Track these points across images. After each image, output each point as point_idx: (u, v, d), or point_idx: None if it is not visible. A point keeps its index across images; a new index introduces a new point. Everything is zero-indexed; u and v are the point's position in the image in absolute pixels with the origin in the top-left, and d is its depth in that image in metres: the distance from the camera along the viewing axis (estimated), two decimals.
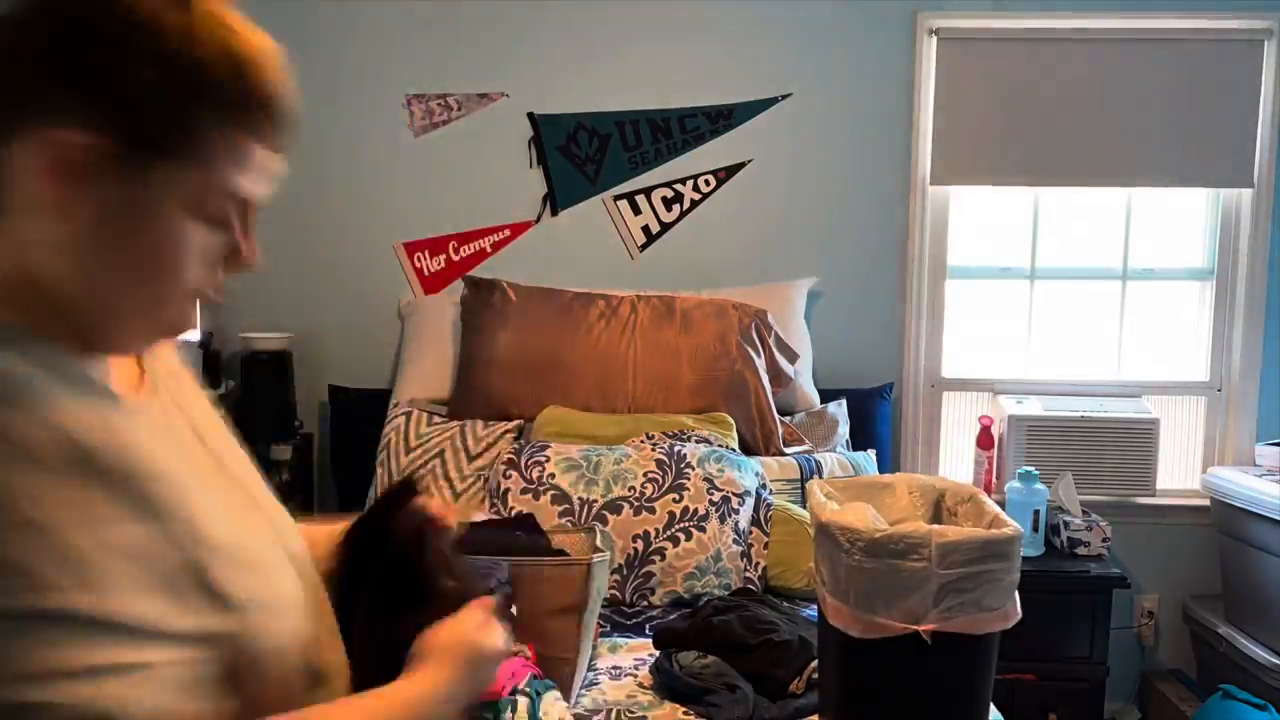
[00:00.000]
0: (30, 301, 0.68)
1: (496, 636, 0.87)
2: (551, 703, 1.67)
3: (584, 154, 3.20)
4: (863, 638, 1.49)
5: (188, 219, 0.70)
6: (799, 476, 2.69)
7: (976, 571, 1.46)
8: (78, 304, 0.69)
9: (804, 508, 2.41)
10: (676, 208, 3.23)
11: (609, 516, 2.40)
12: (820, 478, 2.43)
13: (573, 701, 1.85)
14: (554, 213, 3.22)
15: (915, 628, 1.46)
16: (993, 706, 1.84)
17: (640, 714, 1.80)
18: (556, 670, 1.80)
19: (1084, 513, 2.99)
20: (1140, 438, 3.11)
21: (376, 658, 0.85)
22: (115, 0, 0.66)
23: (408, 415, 2.86)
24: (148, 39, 0.66)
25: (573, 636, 1.84)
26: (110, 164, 0.66)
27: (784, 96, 3.19)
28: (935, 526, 1.51)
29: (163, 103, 0.67)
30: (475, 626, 0.86)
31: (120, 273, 0.69)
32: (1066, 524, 2.94)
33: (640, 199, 3.22)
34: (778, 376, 2.96)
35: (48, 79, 0.65)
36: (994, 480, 3.15)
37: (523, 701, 1.63)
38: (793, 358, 3.02)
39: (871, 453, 2.93)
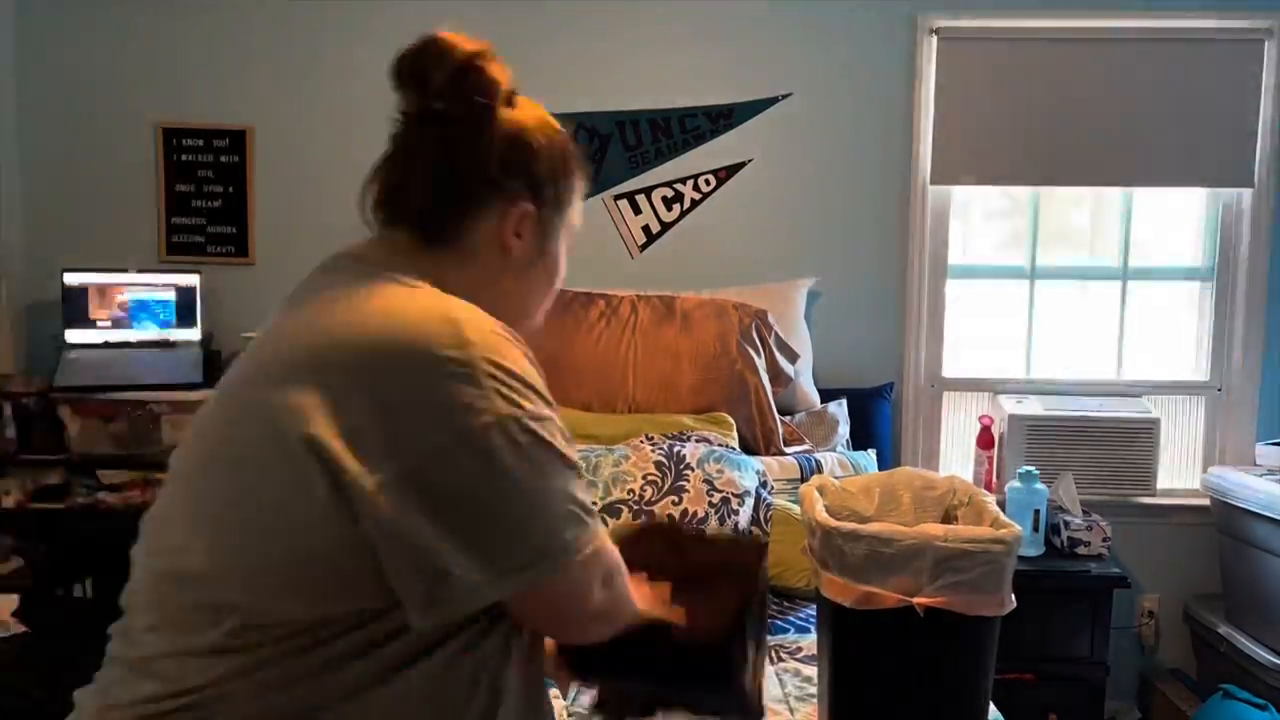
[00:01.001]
0: None
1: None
2: (550, 699, 1.67)
3: (584, 154, 3.20)
4: (856, 609, 1.52)
5: (562, 249, 1.10)
6: (799, 476, 2.69)
7: (974, 552, 1.49)
8: (497, 314, 0.96)
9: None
10: (676, 208, 3.23)
11: (608, 520, 2.40)
12: (821, 474, 2.42)
13: (571, 700, 1.85)
14: None
15: (910, 600, 1.49)
16: (993, 706, 1.84)
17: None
18: (556, 666, 1.80)
19: (1084, 513, 2.99)
20: (1140, 438, 3.11)
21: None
22: (528, 129, 1.07)
23: None
24: (541, 142, 1.06)
25: None
26: (542, 222, 1.05)
27: (784, 96, 3.19)
28: (933, 527, 1.52)
29: (557, 180, 1.06)
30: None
31: (531, 292, 1.08)
32: (1066, 524, 2.94)
33: (640, 199, 3.23)
34: (778, 376, 2.96)
35: (505, 173, 1.02)
36: (994, 480, 3.15)
37: None
38: (793, 358, 3.02)
39: (872, 453, 2.93)
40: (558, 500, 0.89)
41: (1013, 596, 1.57)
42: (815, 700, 1.79)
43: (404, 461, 0.83)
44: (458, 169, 1.01)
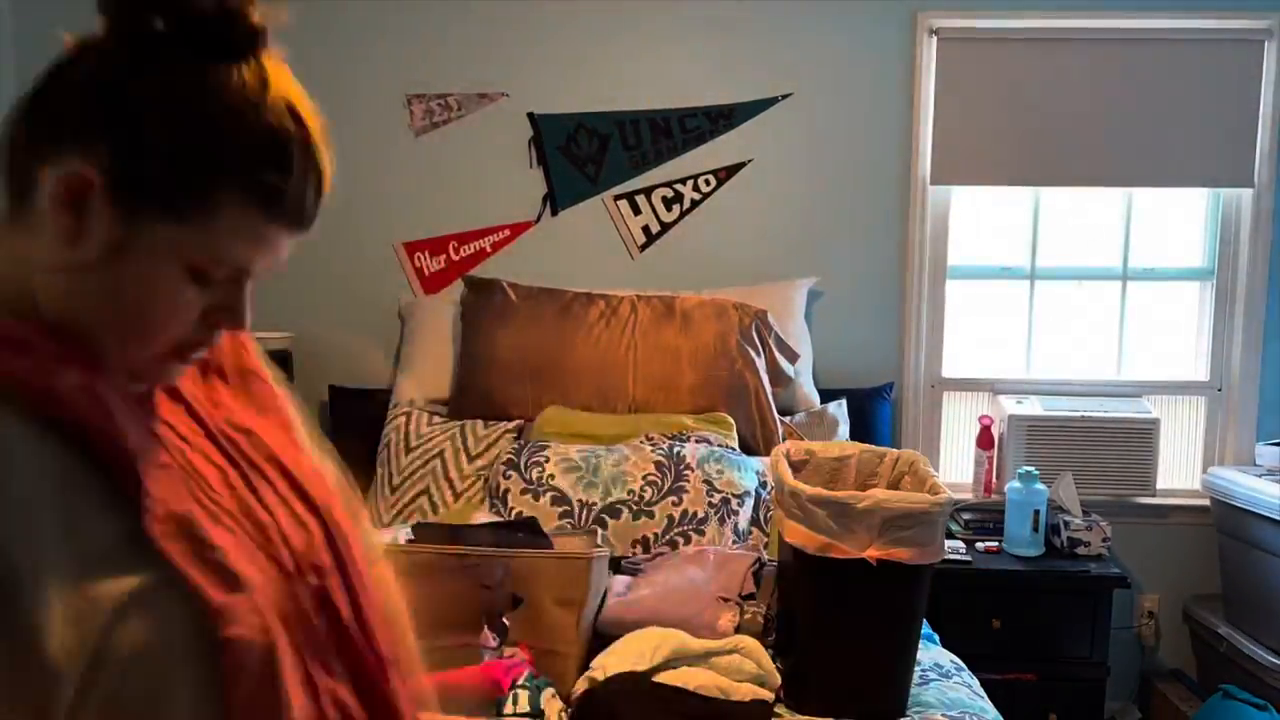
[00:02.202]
0: (18, 308, 0.71)
1: None
2: (549, 699, 1.68)
3: (584, 154, 3.20)
4: (817, 555, 1.81)
5: (182, 278, 0.71)
6: None
7: (915, 512, 1.81)
8: (61, 326, 0.71)
9: None
10: (676, 208, 3.23)
11: (608, 520, 2.40)
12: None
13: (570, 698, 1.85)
14: (554, 213, 3.23)
15: (863, 554, 1.78)
16: (993, 707, 1.86)
17: None
18: (555, 665, 1.81)
19: (1084, 513, 2.99)
20: (1140, 438, 3.11)
21: None
22: (169, 57, 0.70)
23: (408, 415, 2.86)
24: (185, 103, 0.69)
25: (572, 630, 1.86)
26: (113, 208, 0.69)
27: (784, 96, 3.19)
28: (881, 493, 1.83)
29: (177, 166, 0.69)
30: None
31: (105, 310, 0.71)
32: (1066, 524, 2.94)
33: (640, 199, 3.23)
34: (778, 376, 2.96)
35: (83, 115, 0.69)
36: (994, 480, 3.15)
37: (524, 693, 1.64)
38: (793, 358, 3.02)
39: None
40: None
41: (945, 547, 1.94)
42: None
43: None
44: (36, 99, 0.72)
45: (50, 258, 0.70)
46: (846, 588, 1.83)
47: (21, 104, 0.73)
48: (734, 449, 2.70)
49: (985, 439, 3.15)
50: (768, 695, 1.78)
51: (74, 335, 0.71)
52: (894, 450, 2.17)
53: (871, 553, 1.78)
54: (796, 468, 2.07)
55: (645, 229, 3.23)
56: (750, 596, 2.05)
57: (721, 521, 2.42)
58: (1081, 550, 2.92)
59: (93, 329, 0.71)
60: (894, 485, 2.08)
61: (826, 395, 3.09)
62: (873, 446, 2.19)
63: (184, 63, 0.70)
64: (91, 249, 0.69)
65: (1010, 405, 3.17)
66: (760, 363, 2.90)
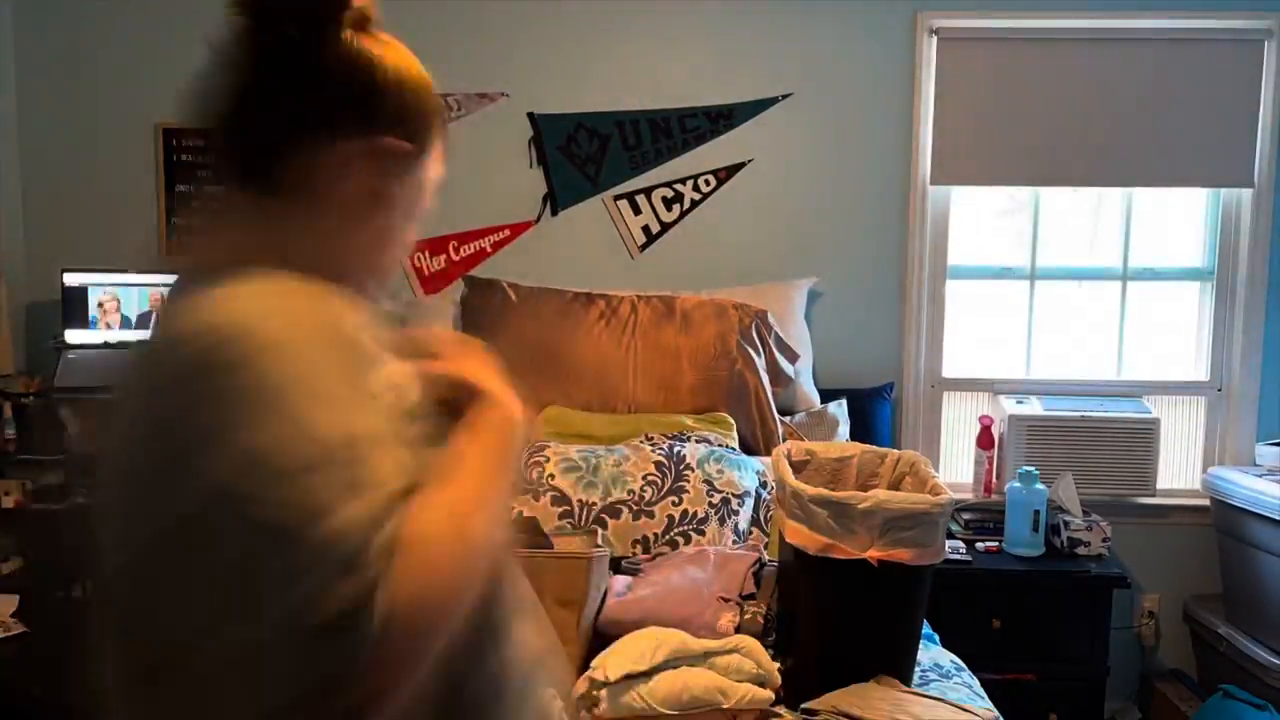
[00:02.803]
0: (309, 266, 0.86)
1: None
2: (548, 699, 1.67)
3: (584, 154, 3.20)
4: (818, 556, 1.81)
5: (422, 196, 0.97)
6: None
7: (916, 513, 1.81)
8: (346, 266, 0.90)
9: None
10: (676, 208, 3.23)
11: (608, 520, 2.40)
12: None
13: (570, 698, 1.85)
14: (554, 213, 3.23)
15: (864, 555, 1.78)
16: (993, 706, 1.86)
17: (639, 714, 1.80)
18: (556, 664, 1.80)
19: (1084, 513, 2.99)
20: (1140, 438, 3.11)
21: None
22: (378, 58, 0.92)
23: None
24: (396, 77, 0.92)
25: (572, 629, 1.86)
26: (410, 160, 0.93)
27: (784, 96, 3.19)
28: (883, 494, 1.83)
29: (420, 116, 0.94)
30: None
31: (385, 240, 0.95)
32: (1066, 524, 2.94)
33: (640, 199, 3.23)
34: (778, 376, 2.96)
35: (346, 105, 0.89)
36: (994, 480, 3.15)
37: None
38: (793, 358, 3.02)
39: None
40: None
41: (945, 548, 1.92)
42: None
43: None
44: (286, 99, 0.88)
45: (338, 216, 0.90)
46: (847, 588, 1.84)
47: (235, 102, 0.89)
48: (734, 449, 2.70)
49: (985, 439, 3.15)
50: (768, 695, 1.78)
51: (369, 270, 0.93)
52: (895, 451, 2.17)
53: (872, 553, 1.79)
54: (797, 468, 2.08)
55: (645, 229, 3.23)
56: (750, 596, 2.05)
57: (721, 521, 2.42)
58: (1081, 550, 2.92)
59: (356, 265, 0.92)
60: (895, 486, 2.09)
61: (826, 395, 3.09)
62: (874, 447, 2.20)
63: (372, 61, 0.91)
64: (385, 194, 0.92)
65: (1010, 405, 3.17)
66: (760, 363, 2.90)
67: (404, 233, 0.97)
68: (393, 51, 0.93)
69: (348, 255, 0.92)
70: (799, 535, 1.86)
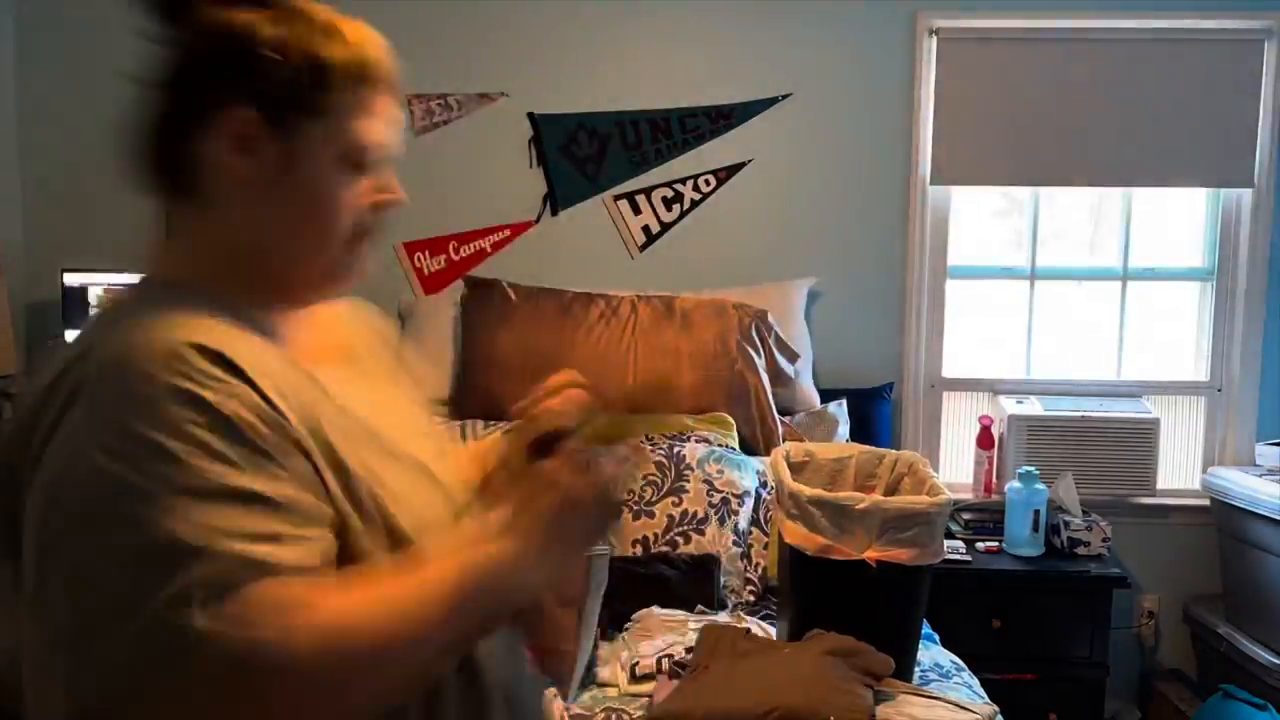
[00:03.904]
0: (227, 270, 0.86)
1: (590, 484, 0.87)
2: (549, 700, 1.67)
3: (584, 154, 3.20)
4: (817, 557, 1.83)
5: (334, 166, 0.87)
6: None
7: (913, 513, 1.82)
8: (266, 261, 0.87)
9: None
10: (676, 208, 3.23)
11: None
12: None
13: (571, 698, 1.85)
14: (554, 213, 3.22)
15: (862, 555, 1.79)
16: (994, 707, 1.86)
17: (639, 715, 1.80)
18: (556, 663, 1.81)
19: (1084, 513, 2.99)
20: (1140, 438, 3.11)
21: None
22: (244, 25, 0.85)
23: None
24: (273, 42, 0.84)
25: (572, 628, 1.86)
26: (273, 130, 0.84)
27: (784, 96, 3.19)
28: (878, 495, 1.90)
29: (296, 77, 0.84)
30: (556, 477, 0.86)
31: (293, 222, 0.86)
32: (1066, 524, 2.94)
33: (640, 199, 3.22)
34: (778, 376, 2.96)
35: (220, 81, 0.84)
36: (994, 480, 3.15)
37: None
38: (793, 358, 3.02)
39: None
40: None
41: (944, 548, 1.94)
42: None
43: None
44: (164, 87, 0.85)
45: (240, 209, 0.85)
46: (846, 589, 1.84)
47: (149, 107, 0.86)
48: (734, 449, 2.70)
49: (985, 439, 3.15)
50: None
51: (273, 265, 0.87)
52: (893, 451, 2.17)
53: (871, 554, 1.80)
54: (796, 469, 2.08)
55: (645, 229, 3.23)
56: None
57: (721, 521, 2.42)
58: (1081, 550, 2.91)
59: (288, 246, 0.87)
60: (893, 486, 2.09)
61: (826, 395, 3.09)
62: (872, 448, 2.20)
63: (249, 27, 0.84)
64: (270, 171, 0.84)
65: (1010, 405, 3.17)
66: (760, 363, 2.90)
67: (321, 224, 0.87)
68: (276, 19, 0.85)
69: (256, 257, 0.87)
70: (798, 536, 1.87)
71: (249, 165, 0.84)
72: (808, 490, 1.88)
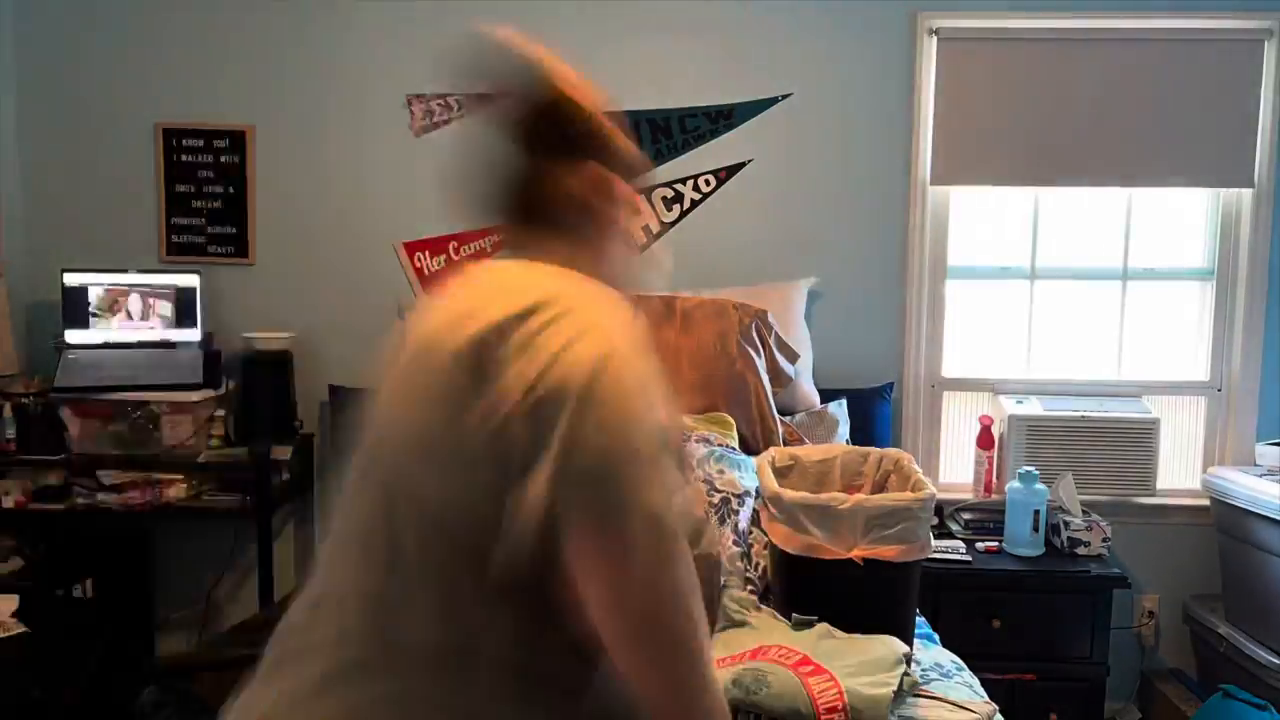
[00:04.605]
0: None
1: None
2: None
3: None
4: (805, 557, 1.85)
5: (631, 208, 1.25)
6: None
7: (897, 510, 1.85)
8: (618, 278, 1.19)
9: None
10: (676, 208, 3.23)
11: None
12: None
13: None
14: None
15: (848, 554, 1.82)
16: (994, 706, 1.86)
17: None
18: None
19: (1084, 513, 2.99)
20: (1140, 438, 3.11)
21: None
22: (591, 115, 1.28)
23: None
24: (605, 128, 1.28)
25: None
26: (618, 186, 1.24)
27: (784, 96, 3.19)
28: (862, 496, 1.88)
29: (625, 154, 1.27)
30: None
31: (628, 247, 1.27)
32: (1066, 524, 2.94)
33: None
34: (778, 376, 2.96)
35: (571, 147, 1.23)
36: (994, 480, 3.15)
37: None
38: (793, 358, 3.02)
39: None
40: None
41: (931, 543, 1.95)
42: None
43: None
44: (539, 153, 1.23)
45: (603, 237, 1.24)
46: (835, 588, 1.87)
47: (513, 160, 1.20)
48: (734, 449, 2.69)
49: (985, 439, 3.15)
50: None
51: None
52: (878, 450, 2.20)
53: (857, 553, 1.82)
54: (782, 474, 2.11)
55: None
56: None
57: (721, 521, 2.41)
58: (1081, 550, 2.92)
59: (618, 269, 1.24)
60: (880, 484, 2.12)
61: (826, 395, 3.09)
62: (856, 447, 2.24)
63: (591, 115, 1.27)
64: (630, 215, 1.26)
65: (1010, 405, 3.17)
66: (760, 363, 2.90)
67: (631, 248, 1.26)
68: (583, 90, 1.26)
69: (609, 270, 1.20)
70: (784, 538, 1.89)
71: (611, 207, 1.26)
72: (790, 493, 1.90)
